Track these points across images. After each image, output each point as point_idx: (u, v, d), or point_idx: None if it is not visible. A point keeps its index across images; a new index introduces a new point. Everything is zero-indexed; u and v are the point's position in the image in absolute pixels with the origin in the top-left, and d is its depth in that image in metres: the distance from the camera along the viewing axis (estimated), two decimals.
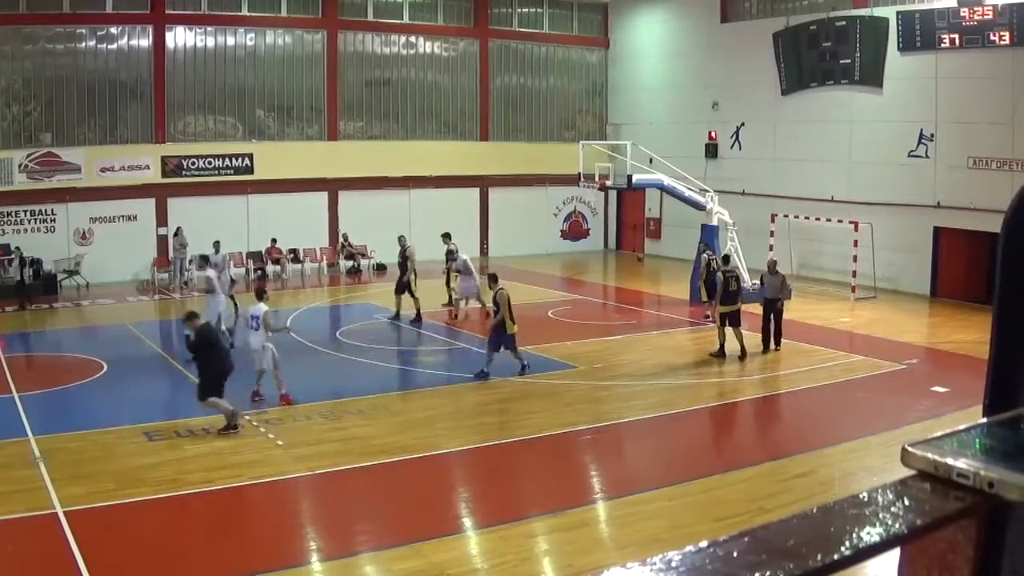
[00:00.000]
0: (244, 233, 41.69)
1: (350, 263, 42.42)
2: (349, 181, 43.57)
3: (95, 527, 14.45)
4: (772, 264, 26.95)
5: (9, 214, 38.48)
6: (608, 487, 16.27)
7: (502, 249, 46.95)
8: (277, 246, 41.47)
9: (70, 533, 13.94)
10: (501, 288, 22.88)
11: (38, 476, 16.49)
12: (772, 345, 26.07)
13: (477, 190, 47.38)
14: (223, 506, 15.61)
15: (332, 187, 43.81)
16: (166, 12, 40.97)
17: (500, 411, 20.88)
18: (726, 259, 28.01)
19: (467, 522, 14.88)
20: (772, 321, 26.13)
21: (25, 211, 38.64)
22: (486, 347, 23.19)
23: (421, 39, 46.62)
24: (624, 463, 18.07)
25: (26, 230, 38.68)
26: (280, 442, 18.48)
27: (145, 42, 41.03)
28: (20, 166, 38.50)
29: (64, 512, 14.72)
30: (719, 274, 26.68)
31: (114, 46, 40.78)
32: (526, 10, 48.93)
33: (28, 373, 24.74)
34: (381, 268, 42.50)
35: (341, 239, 42.95)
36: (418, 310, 30.16)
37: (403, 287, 30.27)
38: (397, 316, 30.45)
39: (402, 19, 45.94)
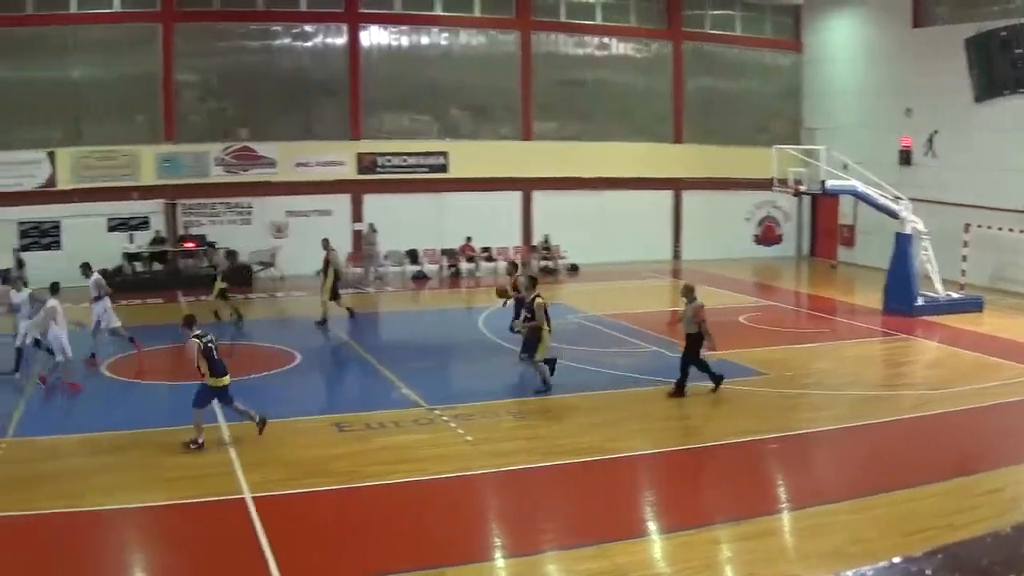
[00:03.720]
0: (438, 231, 42.11)
1: (544, 263, 42.53)
2: (542, 181, 43.61)
3: (281, 513, 14.53)
4: (687, 290, 22.35)
5: (206, 206, 39.56)
6: (792, 497, 15.71)
7: (695, 253, 46.40)
8: (471, 244, 41.68)
9: (256, 518, 14.06)
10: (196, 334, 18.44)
11: (228, 461, 16.78)
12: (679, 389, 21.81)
13: (671, 193, 46.92)
14: (408, 499, 15.48)
15: (525, 187, 43.97)
16: (359, 11, 41.62)
17: (687, 416, 20.51)
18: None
19: (651, 526, 14.57)
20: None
21: (221, 203, 39.70)
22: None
23: (614, 40, 46.39)
24: (809, 473, 17.45)
25: (222, 222, 39.76)
26: (469, 438, 18.45)
27: (340, 40, 41.83)
28: (216, 159, 39.63)
29: (252, 497, 14.88)
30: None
31: (309, 44, 41.74)
32: (719, 12, 48.22)
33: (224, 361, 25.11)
34: (574, 268, 42.47)
35: (542, 240, 43.08)
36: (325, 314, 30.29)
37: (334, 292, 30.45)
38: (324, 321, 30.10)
39: (595, 20, 45.84)
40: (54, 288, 23.21)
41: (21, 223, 38.27)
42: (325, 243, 30.81)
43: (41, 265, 34.41)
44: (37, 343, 23.13)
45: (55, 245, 38.42)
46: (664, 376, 22.37)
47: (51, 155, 38.53)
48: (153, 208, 39.49)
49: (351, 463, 16.74)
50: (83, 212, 38.40)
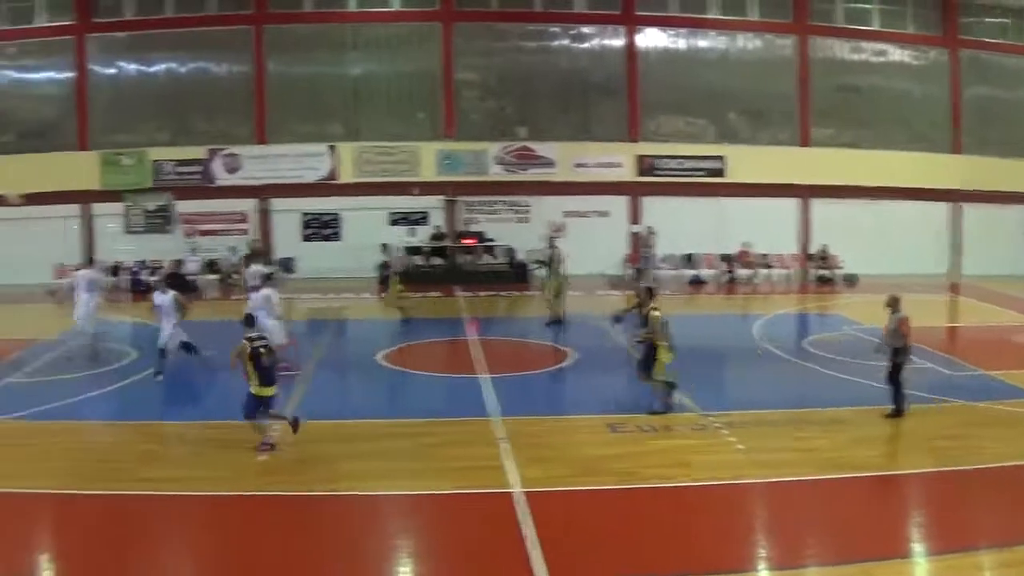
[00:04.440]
0: (715, 235, 42.03)
1: (821, 272, 41.70)
2: (819, 188, 42.93)
3: (550, 510, 14.66)
4: (892, 300, 20.86)
5: (484, 203, 40.26)
6: None
7: (974, 267, 44.66)
8: (748, 250, 41.18)
9: (525, 513, 14.27)
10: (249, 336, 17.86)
11: (499, 455, 17.06)
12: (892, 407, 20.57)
13: (948, 204, 45.39)
14: (677, 504, 15.47)
15: (802, 193, 43.33)
16: (637, 13, 41.68)
17: (958, 436, 19.45)
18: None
19: (916, 547, 14.11)
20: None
21: (500, 201, 40.34)
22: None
23: (890, 47, 45.20)
24: None
25: (501, 220, 40.39)
26: (741, 446, 18.21)
27: (617, 42, 42.17)
28: (495, 158, 40.29)
29: (523, 492, 15.12)
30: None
31: (586, 45, 42.26)
32: (994, 20, 46.36)
33: (498, 357, 25.89)
34: (851, 279, 41.50)
35: (819, 249, 42.36)
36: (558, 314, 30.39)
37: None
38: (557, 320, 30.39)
39: (871, 26, 44.74)
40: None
41: (304, 214, 39.67)
42: (551, 241, 30.87)
43: (319, 255, 35.79)
44: (186, 346, 23.19)
45: (334, 237, 39.75)
46: (940, 394, 21.68)
47: (332, 149, 39.82)
48: (433, 204, 40.44)
49: (624, 464, 16.78)
50: (362, 205, 39.56)
